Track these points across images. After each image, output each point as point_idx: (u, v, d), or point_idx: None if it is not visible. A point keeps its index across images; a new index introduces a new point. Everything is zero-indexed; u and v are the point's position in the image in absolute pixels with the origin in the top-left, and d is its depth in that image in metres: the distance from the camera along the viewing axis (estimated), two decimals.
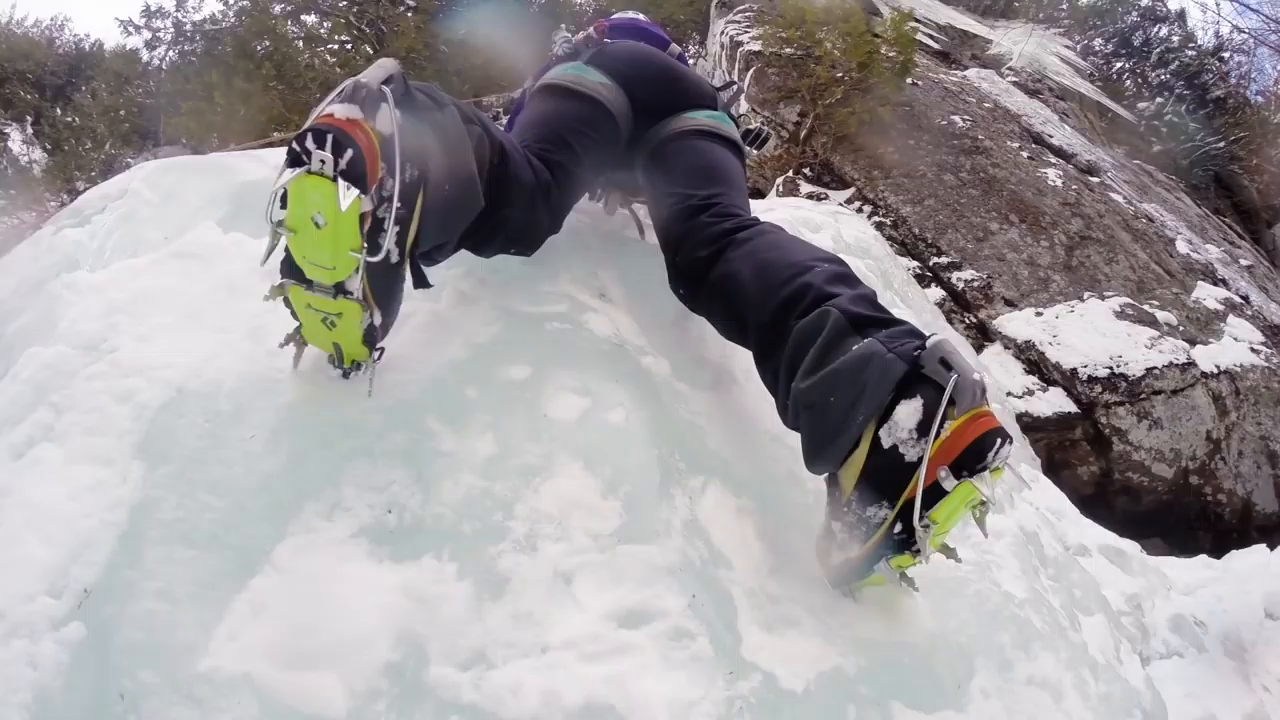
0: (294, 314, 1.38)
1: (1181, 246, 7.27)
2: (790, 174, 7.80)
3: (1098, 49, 15.22)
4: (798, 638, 1.30)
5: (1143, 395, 5.05)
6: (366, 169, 1.16)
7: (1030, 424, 4.99)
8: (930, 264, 6.19)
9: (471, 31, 11.87)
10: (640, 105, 2.09)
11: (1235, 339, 5.79)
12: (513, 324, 1.59)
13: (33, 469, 1.36)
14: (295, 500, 1.28)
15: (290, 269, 1.30)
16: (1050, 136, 8.77)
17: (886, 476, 1.22)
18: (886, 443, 1.21)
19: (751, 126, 2.46)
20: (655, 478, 1.38)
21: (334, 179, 1.14)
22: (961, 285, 5.91)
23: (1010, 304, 5.73)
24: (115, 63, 13.44)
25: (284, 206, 1.22)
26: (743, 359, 1.72)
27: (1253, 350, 5.70)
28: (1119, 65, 15.15)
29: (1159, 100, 13.12)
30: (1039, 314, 5.59)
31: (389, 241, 1.23)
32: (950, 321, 5.67)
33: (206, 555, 1.21)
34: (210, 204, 2.06)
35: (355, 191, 1.15)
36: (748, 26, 10.53)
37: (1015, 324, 5.52)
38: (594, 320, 1.70)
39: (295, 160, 1.17)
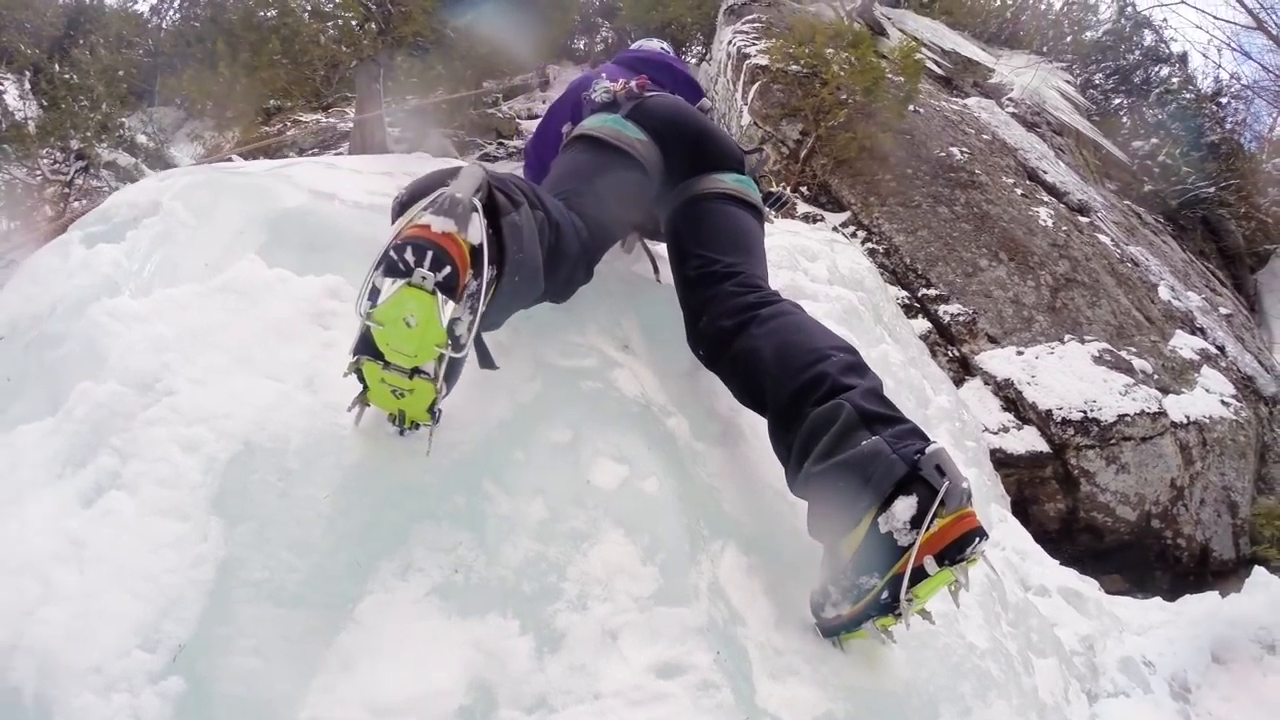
0: (364, 383, 1.51)
1: (1164, 293, 7.53)
2: (789, 190, 7.99)
3: (1098, 83, 15.50)
4: (798, 685, 1.51)
5: (1113, 441, 5.28)
6: (459, 281, 1.31)
7: (1003, 460, 5.22)
8: (919, 295, 6.40)
9: (478, 18, 11.96)
10: (673, 162, 2.28)
11: (1207, 390, 6.05)
12: (550, 380, 1.76)
13: (107, 520, 1.42)
14: (371, 560, 1.41)
15: (368, 347, 1.43)
16: (1045, 173, 9.01)
17: (880, 554, 1.43)
18: (883, 529, 1.42)
19: (773, 190, 2.67)
20: (685, 546, 1.59)
21: (433, 293, 1.30)
22: (948, 319, 6.13)
23: (993, 341, 5.96)
24: (117, 22, 13.38)
25: (370, 299, 1.35)
26: (748, 414, 1.93)
27: (1223, 403, 5.96)
28: (1118, 101, 15.44)
29: (1154, 141, 13.40)
30: (1020, 353, 5.82)
31: (470, 338, 1.39)
32: (934, 354, 5.89)
33: (295, 613, 1.32)
34: (248, 229, 2.13)
35: (451, 303, 1.31)
36: (756, 38, 10.68)
37: (996, 361, 5.74)
38: (622, 378, 1.88)
39: (393, 268, 1.31)
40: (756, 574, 1.67)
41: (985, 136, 9.17)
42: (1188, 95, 14.48)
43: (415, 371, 1.42)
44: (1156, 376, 5.92)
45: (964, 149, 8.15)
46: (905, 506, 1.40)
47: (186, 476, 1.48)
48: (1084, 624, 3.99)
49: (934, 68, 11.60)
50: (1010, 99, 11.79)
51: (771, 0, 12.84)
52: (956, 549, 1.38)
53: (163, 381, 1.65)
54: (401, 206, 1.44)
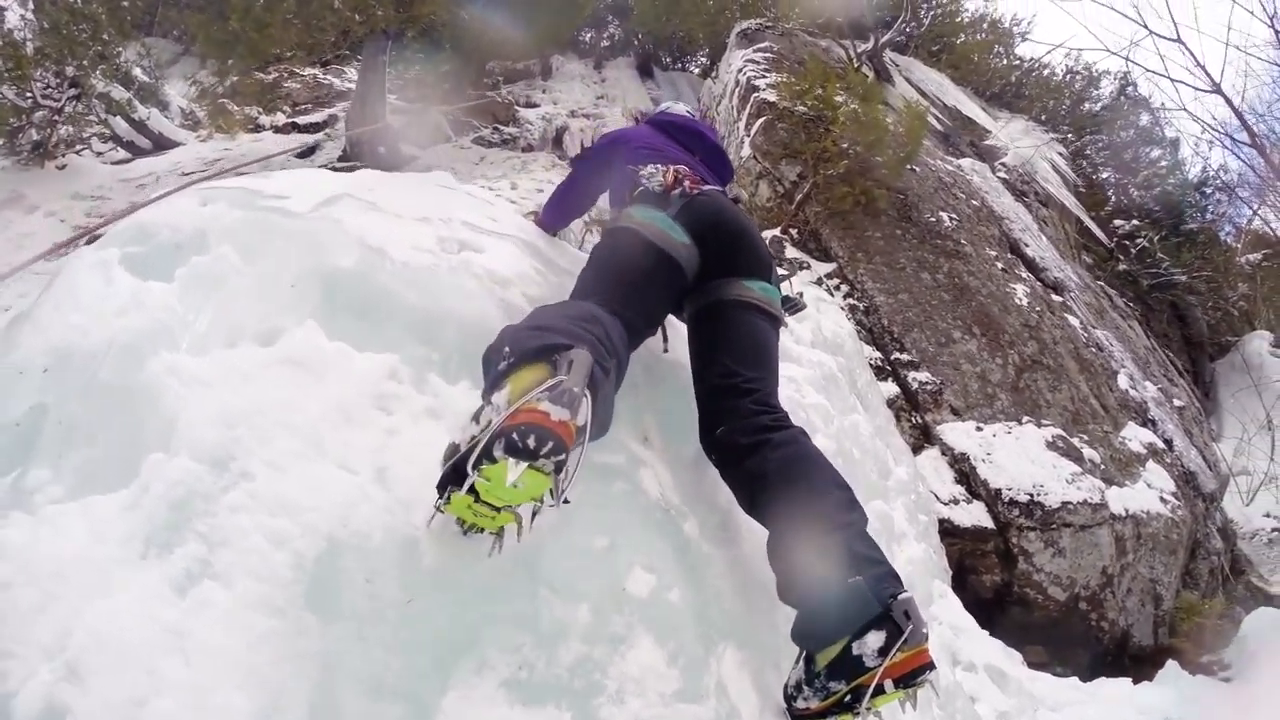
0: (448, 503, 1.72)
1: (1122, 381, 8.00)
2: (778, 232, 8.32)
3: (1089, 155, 16.13)
4: None
5: (1054, 526, 5.69)
6: (569, 458, 1.57)
7: (949, 530, 5.60)
8: (891, 358, 6.78)
9: (492, 3, 12.18)
10: (708, 264, 2.52)
11: (1149, 485, 6.50)
12: (589, 478, 2.00)
13: (205, 611, 1.53)
14: (452, 658, 1.65)
15: (462, 483, 1.62)
16: (1026, 246, 9.47)
17: (849, 668, 1.78)
18: (855, 651, 1.77)
19: (791, 295, 2.92)
20: (700, 651, 1.90)
21: (550, 474, 1.56)
22: (916, 385, 6.50)
23: (956, 413, 6.35)
24: None
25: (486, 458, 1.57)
26: (744, 515, 2.26)
27: (1162, 499, 6.41)
28: (1105, 175, 16.10)
29: (1135, 223, 14.03)
30: (979, 428, 6.21)
31: (562, 493, 1.64)
32: (899, 418, 6.27)
33: (394, 706, 1.55)
34: (301, 283, 2.25)
35: (559, 476, 1.57)
36: (766, 69, 11.00)
37: (956, 434, 6.13)
38: (646, 478, 2.17)
39: (514, 449, 1.53)
40: (746, 668, 1.97)
41: (975, 203, 9.60)
42: (1173, 182, 15.14)
43: (505, 508, 1.68)
44: (1103, 467, 6.35)
45: (953, 215, 8.56)
46: (876, 638, 1.75)
47: (278, 571, 1.62)
48: (1003, 701, 4.37)
49: (934, 122, 12.02)
50: (1003, 164, 12.28)
51: (785, 30, 13.19)
52: (911, 676, 1.75)
53: (237, 461, 1.76)
54: (509, 366, 1.69)
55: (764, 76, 10.60)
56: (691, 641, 1.90)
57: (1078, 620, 5.93)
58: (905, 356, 6.74)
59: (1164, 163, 15.76)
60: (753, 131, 9.59)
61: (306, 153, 12.49)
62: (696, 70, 19.50)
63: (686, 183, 2.60)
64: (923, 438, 6.25)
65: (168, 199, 2.71)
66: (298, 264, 2.32)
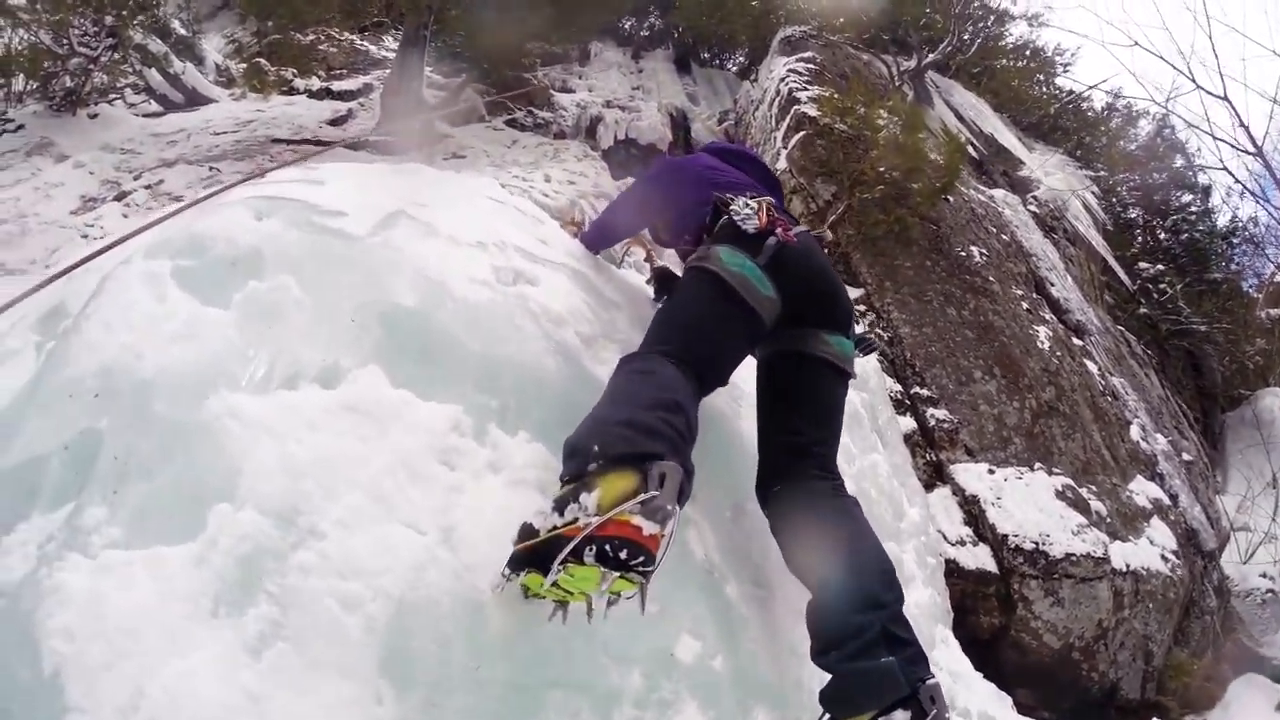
0: (520, 579, 1.82)
1: (1134, 432, 8.14)
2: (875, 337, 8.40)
3: (1120, 194, 16.19)
4: None
5: (1056, 576, 5.83)
6: (656, 565, 1.68)
7: (953, 570, 5.74)
8: (910, 392, 6.90)
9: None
10: (790, 312, 2.53)
11: (1151, 542, 6.64)
12: None
13: (280, 675, 1.59)
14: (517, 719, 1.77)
15: (545, 571, 1.72)
16: (1052, 285, 9.58)
17: None
18: None
19: (866, 334, 2.93)
20: (739, 716, 2.06)
21: (640, 582, 1.68)
22: (933, 422, 6.63)
23: (970, 454, 6.48)
24: None
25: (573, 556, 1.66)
26: (776, 574, 2.39)
27: (1163, 557, 6.55)
28: (1134, 215, 16.16)
29: (1160, 268, 14.14)
30: (991, 471, 6.34)
31: (642, 588, 1.74)
32: (914, 453, 6.39)
33: None
34: (363, 318, 2.28)
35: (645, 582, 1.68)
36: (808, 81, 11.07)
37: (968, 475, 6.26)
38: (692, 538, 2.29)
39: (605, 559, 1.63)
40: None
41: (1005, 237, 9.71)
42: (1202, 229, 15.22)
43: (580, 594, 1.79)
44: (1109, 520, 6.48)
45: (984, 250, 8.66)
46: (901, 717, 1.86)
47: (351, 635, 1.67)
48: None
49: (970, 150, 12.11)
50: (1035, 197, 12.37)
51: (829, 41, 13.25)
52: None
53: (304, 516, 1.81)
54: (600, 468, 1.77)
55: (805, 89, 10.66)
56: (731, 708, 2.04)
57: (1069, 669, 6.08)
58: (925, 392, 6.87)
59: (1194, 209, 15.85)
60: (790, 145, 9.67)
61: (339, 120, 12.59)
62: (734, 69, 19.49)
63: (779, 230, 2.55)
64: (935, 475, 6.38)
65: (216, 206, 2.71)
66: (358, 297, 2.35)
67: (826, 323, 2.62)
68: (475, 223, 3.00)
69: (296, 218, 2.57)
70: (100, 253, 2.54)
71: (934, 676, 1.97)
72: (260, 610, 1.67)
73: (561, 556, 1.65)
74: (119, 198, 9.68)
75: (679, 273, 4.00)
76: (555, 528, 1.70)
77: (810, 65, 11.68)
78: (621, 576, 1.66)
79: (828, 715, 2.03)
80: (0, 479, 1.96)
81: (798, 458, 2.42)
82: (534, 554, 1.74)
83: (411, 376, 2.23)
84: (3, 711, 1.59)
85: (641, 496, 1.68)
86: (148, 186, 9.86)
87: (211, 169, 10.23)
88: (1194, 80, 10.07)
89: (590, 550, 1.63)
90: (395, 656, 1.69)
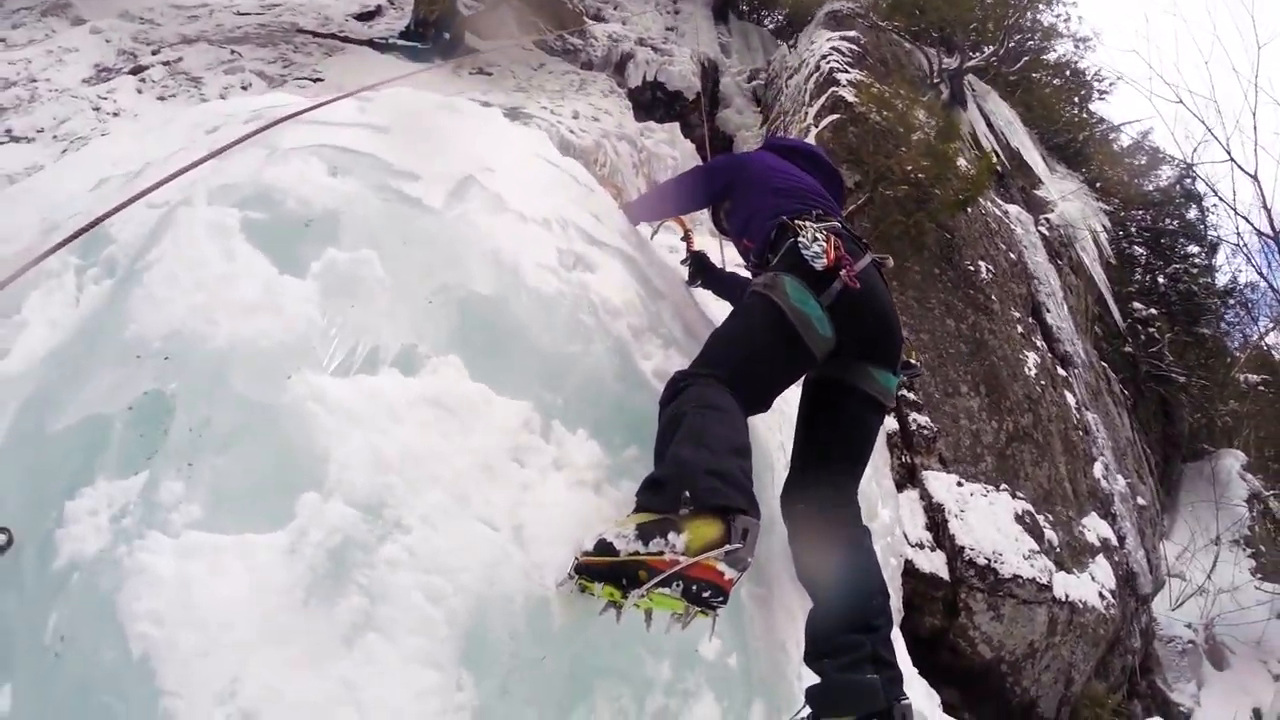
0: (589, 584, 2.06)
1: (1097, 469, 8.65)
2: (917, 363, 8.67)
3: (1130, 230, 16.62)
4: None
5: (1001, 594, 6.31)
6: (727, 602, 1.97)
7: (908, 570, 6.18)
8: (898, 394, 7.31)
9: None
10: (843, 349, 2.69)
11: (1093, 578, 7.16)
12: None
13: (373, 665, 1.72)
14: (570, 706, 1.99)
15: (624, 593, 1.96)
16: (1048, 311, 10.01)
17: None
18: None
19: (911, 362, 3.09)
20: (744, 709, 2.37)
21: (713, 615, 1.97)
22: (914, 427, 7.03)
23: (944, 463, 6.91)
24: None
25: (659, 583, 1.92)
26: (774, 567, 2.73)
27: (1100, 595, 7.07)
28: (1140, 254, 16.61)
29: (1152, 311, 14.65)
30: (960, 484, 6.78)
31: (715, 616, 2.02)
32: (891, 453, 6.81)
33: None
34: (440, 301, 2.39)
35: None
36: (850, 63, 11.26)
37: (938, 483, 6.69)
38: None
39: (690, 595, 1.90)
40: None
41: (1012, 255, 10.08)
42: (1202, 282, 15.73)
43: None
44: (1058, 550, 6.97)
45: (991, 267, 9.03)
46: None
47: (436, 628, 1.81)
48: None
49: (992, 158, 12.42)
50: (1047, 219, 12.74)
51: (875, 23, 13.39)
52: None
53: (390, 509, 1.92)
54: (691, 513, 1.99)
55: (846, 71, 10.85)
56: (740, 700, 2.34)
57: (995, 679, 6.60)
58: (911, 396, 7.26)
59: (1198, 261, 16.34)
60: (821, 124, 9.90)
61: (366, 15, 12.54)
62: (771, 26, 19.49)
63: (845, 272, 2.64)
64: (907, 478, 6.80)
65: (284, 152, 2.71)
66: (437, 278, 2.45)
67: (876, 359, 2.77)
68: (538, 195, 3.13)
69: (371, 179, 2.65)
70: (151, 189, 2.51)
71: (908, 699, 2.28)
72: (351, 602, 1.79)
73: (651, 584, 1.91)
74: (134, 71, 9.62)
75: (713, 258, 4.26)
76: (638, 553, 1.93)
77: (854, 47, 11.83)
78: (702, 611, 1.96)
79: (809, 710, 2.33)
80: (59, 437, 2.05)
81: (823, 484, 2.67)
82: (610, 570, 1.96)
83: (488, 369, 2.36)
84: (84, 687, 1.68)
85: (727, 547, 1.93)
86: (165, 63, 9.81)
87: (233, 52, 10.21)
88: (1229, 152, 10.40)
89: (678, 585, 1.89)
90: (474, 647, 1.86)
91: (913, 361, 3.16)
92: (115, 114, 9.14)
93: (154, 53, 10.14)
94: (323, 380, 2.08)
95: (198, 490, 1.86)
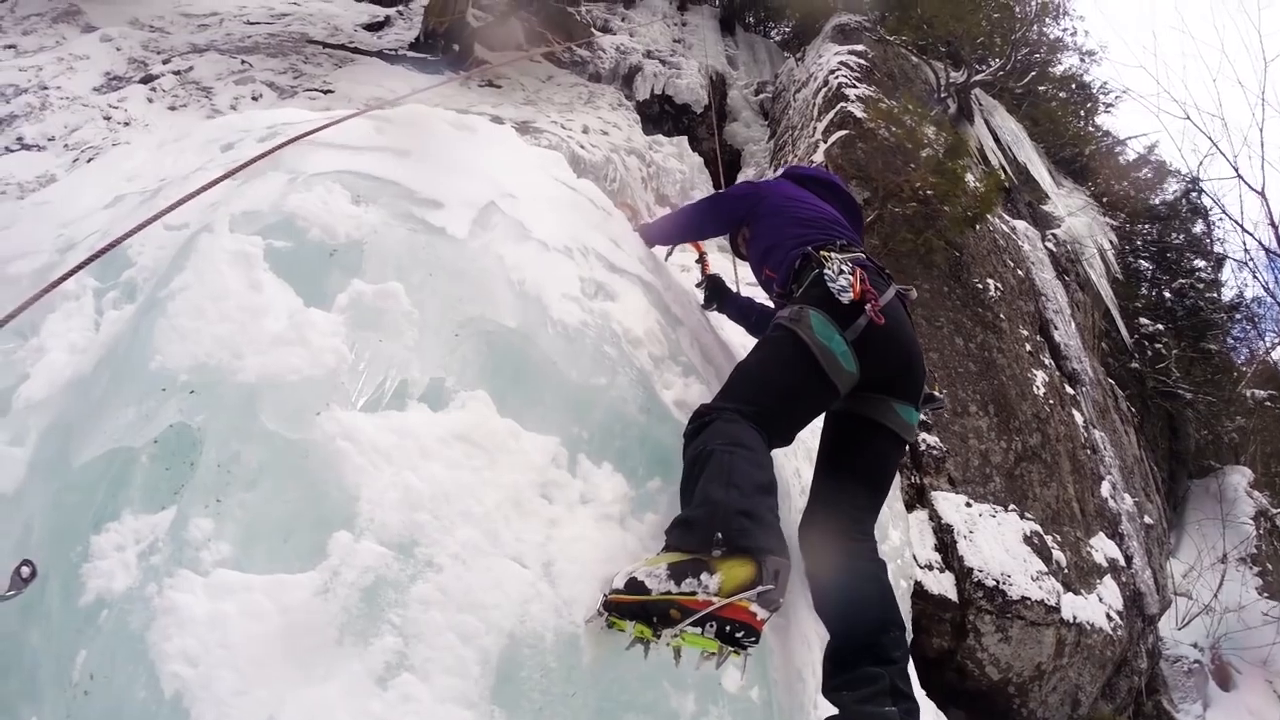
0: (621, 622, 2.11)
1: (1105, 489, 8.67)
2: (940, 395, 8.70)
3: (1136, 244, 16.67)
4: None
5: (1009, 615, 6.34)
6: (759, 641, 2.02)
7: (917, 593, 6.22)
8: None
9: None
10: (869, 380, 2.72)
11: (1100, 599, 7.18)
12: None
13: (407, 704, 1.76)
14: None
15: (644, 618, 2.04)
16: (1056, 329, 10.04)
17: None
18: None
19: (934, 394, 3.14)
20: None
21: (748, 654, 2.02)
22: (924, 447, 7.07)
23: (952, 484, 6.94)
24: None
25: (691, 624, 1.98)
26: (796, 601, 2.75)
27: (1108, 616, 7.09)
28: (1146, 268, 16.67)
29: (1159, 326, 14.70)
30: (969, 504, 6.81)
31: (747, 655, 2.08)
32: (900, 474, 6.83)
33: None
34: (466, 335, 2.43)
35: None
36: (858, 78, 11.33)
37: (947, 504, 6.72)
38: None
39: (723, 635, 1.96)
40: None
41: (1020, 272, 10.12)
42: (1208, 297, 15.78)
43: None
44: (1066, 571, 7.00)
45: (999, 285, 9.07)
46: None
47: (469, 667, 1.85)
48: None
49: (1002, 176, 12.47)
50: (1054, 235, 12.79)
51: (882, 37, 13.46)
52: None
53: (421, 548, 1.96)
54: (724, 554, 2.06)
55: (854, 86, 10.91)
56: None
57: (1002, 700, 6.63)
58: (920, 416, 7.29)
59: (1204, 276, 16.39)
60: (830, 140, 9.94)
61: (375, 25, 12.63)
62: (777, 38, 19.59)
63: (870, 306, 2.66)
64: (916, 498, 6.83)
65: (306, 178, 2.72)
66: (463, 311, 2.49)
67: (899, 394, 2.82)
68: (558, 221, 3.17)
69: (395, 207, 2.69)
70: (169, 210, 2.52)
71: None
72: (385, 641, 1.83)
73: (685, 623, 1.96)
74: (145, 80, 9.69)
75: (726, 276, 4.30)
76: (669, 593, 2.00)
77: (862, 61, 11.90)
78: (735, 651, 2.02)
79: None
80: (84, 469, 2.06)
81: (845, 517, 2.70)
82: (641, 608, 2.03)
83: (515, 404, 2.40)
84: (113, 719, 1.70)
85: (760, 589, 1.99)
86: (176, 73, 9.88)
87: (244, 62, 10.28)
88: (1236, 169, 10.45)
89: (711, 626, 1.96)
90: (506, 685, 1.90)
91: (936, 394, 3.16)
92: (126, 123, 9.21)
93: (164, 61, 10.22)
94: (352, 416, 2.10)
95: (227, 527, 1.88)
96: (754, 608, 1.98)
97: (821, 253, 2.89)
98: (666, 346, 3.11)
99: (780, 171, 3.97)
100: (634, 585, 2.07)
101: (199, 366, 2.11)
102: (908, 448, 3.42)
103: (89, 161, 8.23)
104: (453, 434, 2.21)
